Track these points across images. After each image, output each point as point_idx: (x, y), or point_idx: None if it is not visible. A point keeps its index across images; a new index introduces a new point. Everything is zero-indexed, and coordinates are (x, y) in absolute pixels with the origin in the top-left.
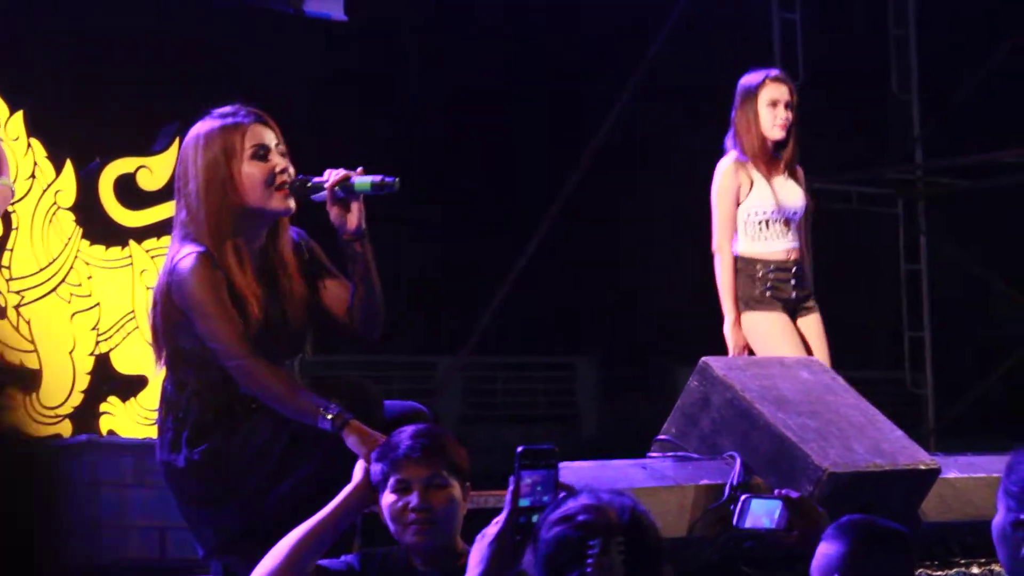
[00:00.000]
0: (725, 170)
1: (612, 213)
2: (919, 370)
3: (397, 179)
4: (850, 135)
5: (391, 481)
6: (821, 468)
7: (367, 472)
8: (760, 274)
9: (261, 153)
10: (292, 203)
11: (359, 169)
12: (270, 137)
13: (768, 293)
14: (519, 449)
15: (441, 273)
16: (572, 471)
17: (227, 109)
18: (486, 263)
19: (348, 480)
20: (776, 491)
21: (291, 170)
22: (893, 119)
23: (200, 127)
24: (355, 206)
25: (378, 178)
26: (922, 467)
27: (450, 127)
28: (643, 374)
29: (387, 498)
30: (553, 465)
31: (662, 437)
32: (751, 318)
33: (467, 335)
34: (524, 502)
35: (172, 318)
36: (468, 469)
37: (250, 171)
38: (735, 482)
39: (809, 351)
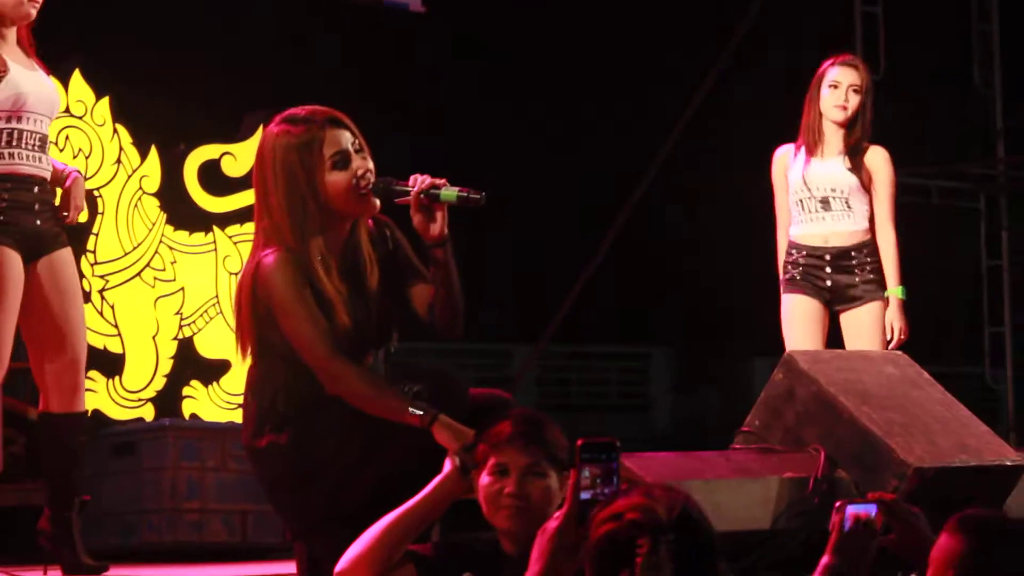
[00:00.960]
0: (777, 159)
1: (691, 203)
2: (999, 366)
3: (484, 194)
4: (931, 129)
5: (490, 463)
6: (906, 463)
7: (457, 464)
8: (792, 258)
9: (341, 161)
10: (377, 203)
11: (444, 180)
12: (347, 139)
13: (798, 276)
14: (579, 442)
15: (518, 261)
16: (656, 462)
17: (300, 114)
18: (563, 251)
19: (430, 471)
20: (869, 494)
21: (371, 170)
22: (975, 113)
23: (276, 136)
24: (439, 214)
25: (464, 191)
26: (1008, 463)
27: (527, 116)
28: (717, 365)
29: (484, 479)
30: (614, 458)
31: (746, 429)
32: (784, 300)
33: (543, 324)
34: (584, 495)
35: (258, 311)
36: (568, 460)
37: (333, 180)
38: (819, 475)
39: (852, 342)
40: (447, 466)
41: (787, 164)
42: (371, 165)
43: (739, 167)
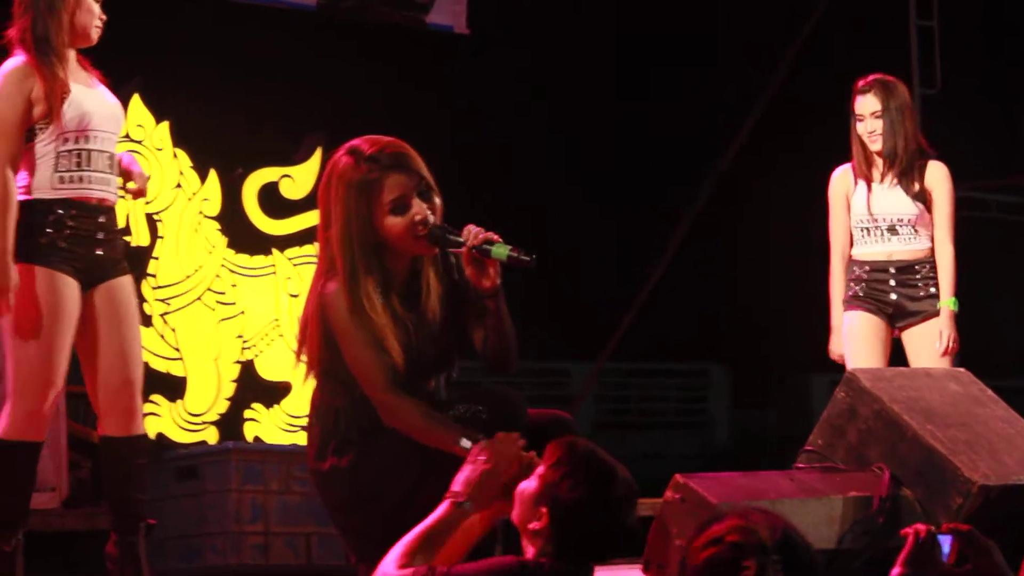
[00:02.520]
0: (835, 179)
1: (751, 221)
2: None
3: (534, 257)
4: (989, 143)
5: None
6: (971, 481)
7: (451, 500)
8: (856, 274)
9: (400, 206)
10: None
11: (496, 236)
12: (409, 182)
13: (861, 293)
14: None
15: (575, 277)
16: (719, 482)
17: (366, 151)
18: (621, 268)
19: None
20: (944, 524)
21: (430, 216)
22: None
23: (340, 170)
24: (491, 268)
25: (515, 252)
26: None
27: (582, 133)
28: (776, 381)
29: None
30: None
31: (809, 448)
32: (846, 317)
33: (601, 341)
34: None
35: (323, 334)
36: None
37: (390, 223)
38: (884, 494)
39: (915, 359)
40: (447, 501)
41: (847, 186)
42: (434, 207)
43: (799, 185)
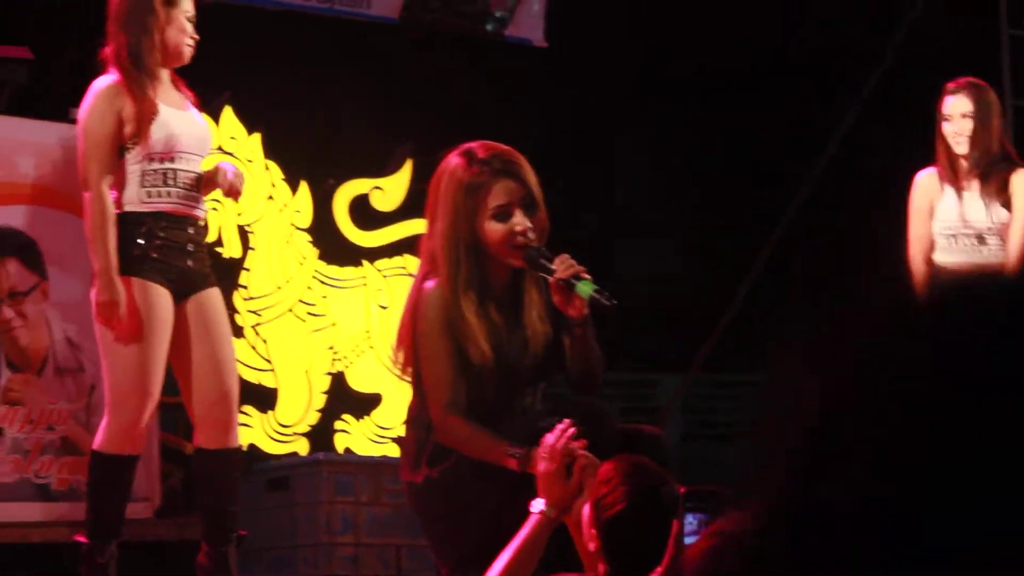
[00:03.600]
0: (919, 184)
1: (837, 234)
2: None
3: (616, 303)
4: None
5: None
6: None
7: (543, 511)
8: None
9: (502, 214)
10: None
11: (585, 271)
12: (516, 191)
13: None
14: (682, 490)
15: (663, 289)
16: None
17: (479, 154)
18: (708, 281)
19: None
20: None
21: (530, 231)
22: None
23: (454, 169)
24: (578, 299)
25: (599, 293)
26: None
27: (662, 142)
28: None
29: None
30: (718, 507)
31: None
32: None
33: (688, 352)
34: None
35: (415, 338)
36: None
37: (491, 228)
38: None
39: None
40: (534, 515)
41: (932, 192)
42: (536, 221)
43: (891, 191)
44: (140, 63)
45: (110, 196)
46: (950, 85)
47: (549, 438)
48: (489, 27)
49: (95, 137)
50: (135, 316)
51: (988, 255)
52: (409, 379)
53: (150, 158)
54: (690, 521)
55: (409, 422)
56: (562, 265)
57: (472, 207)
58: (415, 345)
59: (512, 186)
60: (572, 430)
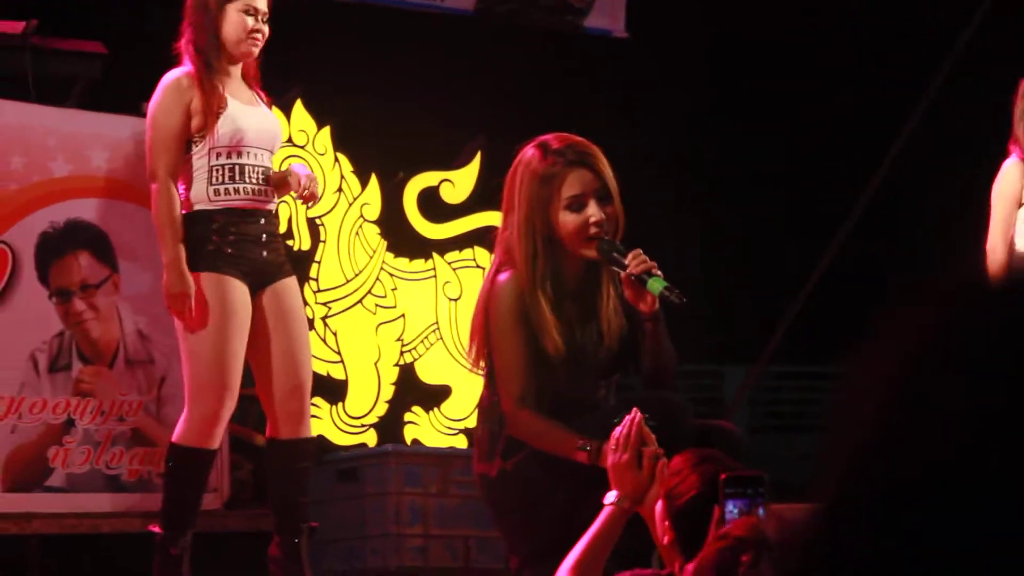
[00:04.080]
0: (1007, 171)
1: (908, 225)
2: None
3: (685, 300)
4: None
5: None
6: None
7: (614, 502)
8: None
9: (576, 205)
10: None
11: (655, 267)
12: (588, 182)
13: None
14: (723, 476)
15: (728, 280)
16: None
17: (554, 144)
18: (774, 273)
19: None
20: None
21: (604, 222)
22: None
23: (530, 159)
24: (649, 295)
25: (670, 289)
26: None
27: (743, 138)
28: None
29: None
30: (761, 493)
31: None
32: None
33: (754, 344)
34: None
35: (488, 329)
36: None
37: (564, 219)
38: None
39: None
40: (606, 506)
41: (1019, 179)
42: (611, 213)
43: (962, 186)
44: (207, 58)
45: (176, 189)
46: None
47: (618, 429)
48: (568, 18)
49: (163, 129)
50: (214, 310)
51: None
52: (480, 372)
53: (217, 152)
54: (731, 509)
55: (481, 414)
56: (635, 260)
57: (547, 197)
58: (487, 338)
59: (587, 177)
60: (640, 418)
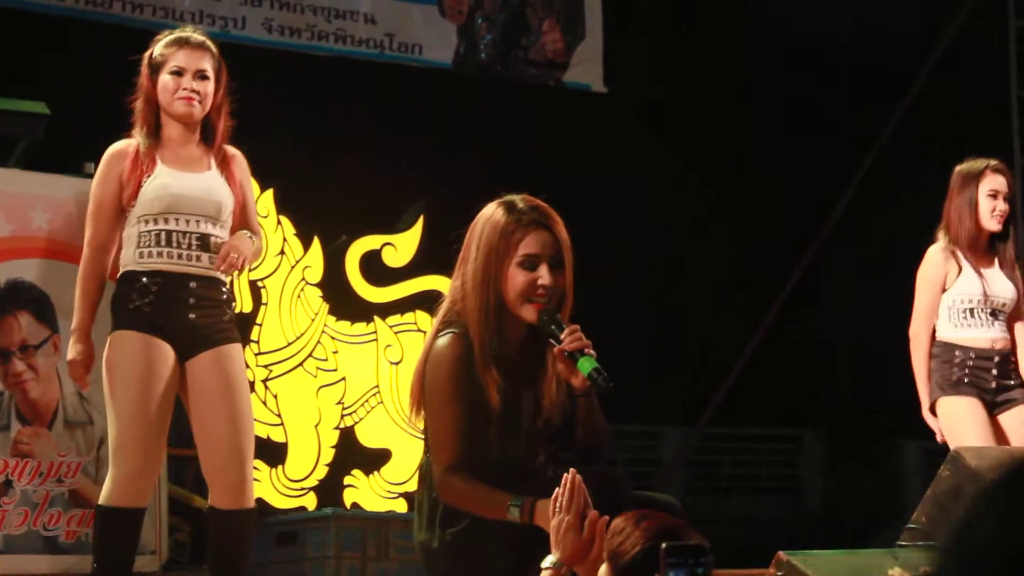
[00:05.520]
0: (933, 256)
1: (844, 292)
2: None
3: (612, 385)
4: None
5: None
6: None
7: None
8: (959, 360)
9: (529, 264)
10: (535, 316)
11: (590, 347)
12: (546, 245)
13: (966, 380)
14: (664, 547)
15: (667, 343)
16: (823, 560)
17: (519, 204)
18: (713, 335)
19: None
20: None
21: (550, 288)
22: None
23: (493, 213)
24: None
25: (598, 372)
26: None
27: (686, 201)
28: (870, 448)
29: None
30: (702, 563)
31: (912, 526)
32: (946, 403)
33: (693, 405)
34: None
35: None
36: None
37: (514, 276)
38: None
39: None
40: (545, 571)
41: (949, 268)
42: (556, 282)
43: (888, 253)
44: (151, 123)
45: (96, 263)
46: (994, 162)
47: (558, 490)
48: (552, 72)
49: (95, 200)
50: (132, 369)
51: (1000, 332)
52: (421, 436)
53: (145, 219)
54: None
55: (421, 481)
56: (569, 336)
57: (503, 250)
58: (424, 399)
59: (546, 239)
60: (580, 479)
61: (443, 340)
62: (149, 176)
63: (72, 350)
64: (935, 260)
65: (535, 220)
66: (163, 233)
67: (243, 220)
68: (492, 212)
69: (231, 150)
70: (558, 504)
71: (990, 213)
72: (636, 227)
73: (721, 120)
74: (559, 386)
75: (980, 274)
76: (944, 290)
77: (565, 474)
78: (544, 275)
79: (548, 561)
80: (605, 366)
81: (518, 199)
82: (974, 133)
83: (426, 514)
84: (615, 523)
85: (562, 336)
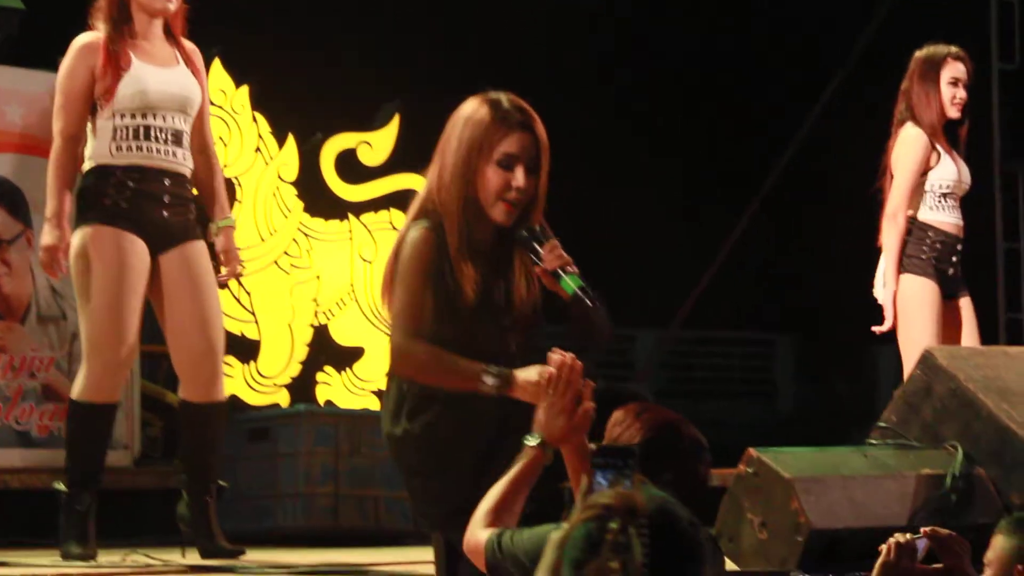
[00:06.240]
0: (916, 138)
1: (819, 195)
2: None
3: (598, 305)
4: None
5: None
6: None
7: (535, 445)
8: (929, 242)
9: (505, 163)
10: (506, 217)
11: (572, 265)
12: (526, 147)
13: (933, 262)
14: (594, 447)
15: (641, 245)
16: (792, 457)
17: (504, 103)
18: (689, 237)
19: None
20: (922, 530)
21: (523, 188)
22: None
23: (475, 107)
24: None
25: (583, 290)
26: None
27: (659, 111)
28: (842, 351)
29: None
30: (630, 465)
31: (882, 424)
32: (908, 280)
33: (666, 309)
34: None
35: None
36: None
37: (491, 173)
38: (957, 472)
39: (957, 332)
40: (530, 449)
41: (929, 151)
42: (528, 184)
43: (868, 158)
44: (116, 17)
45: (68, 152)
46: (955, 50)
47: (556, 361)
48: None
49: (65, 92)
50: (107, 264)
51: (961, 219)
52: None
53: (121, 114)
54: (599, 480)
55: (390, 374)
56: (550, 255)
57: (484, 148)
58: (394, 282)
59: (526, 141)
60: (580, 365)
61: (416, 231)
62: (126, 71)
63: (50, 236)
64: (919, 143)
65: (519, 121)
66: (141, 128)
67: (200, 120)
68: (476, 108)
69: (189, 44)
70: (553, 385)
71: (951, 101)
72: (609, 127)
73: (685, 19)
74: (529, 283)
75: (953, 158)
76: (925, 173)
77: (558, 356)
78: (519, 177)
79: (532, 439)
80: (578, 265)
81: (504, 98)
82: (951, 38)
83: (392, 405)
84: (615, 415)
85: (542, 253)
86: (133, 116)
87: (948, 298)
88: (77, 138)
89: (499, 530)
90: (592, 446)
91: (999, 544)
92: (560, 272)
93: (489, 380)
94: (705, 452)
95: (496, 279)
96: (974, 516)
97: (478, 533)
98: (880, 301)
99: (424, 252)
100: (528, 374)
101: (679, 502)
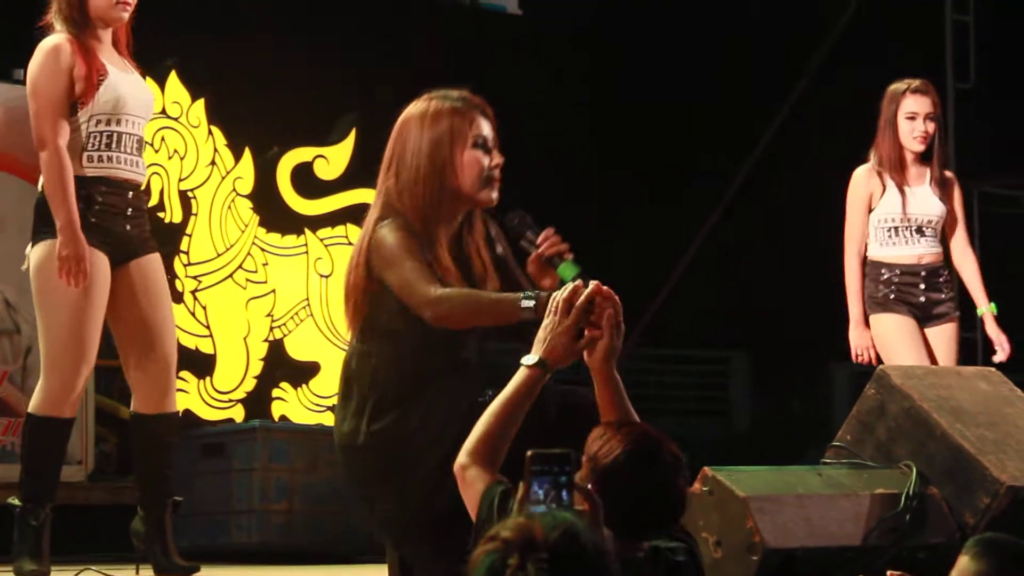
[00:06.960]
0: (857, 177)
1: (774, 213)
2: None
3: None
4: (1021, 138)
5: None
6: (999, 481)
7: (533, 364)
8: (885, 278)
9: (482, 143)
10: (495, 196)
11: (568, 250)
12: (489, 131)
13: (892, 296)
14: (529, 453)
15: (599, 262)
16: (747, 475)
17: (455, 93)
18: (644, 254)
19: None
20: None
21: (500, 167)
22: None
23: (427, 105)
24: (554, 276)
25: (578, 279)
26: None
27: (612, 128)
28: (797, 369)
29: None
30: (566, 471)
31: (837, 443)
32: (877, 320)
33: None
34: (538, 509)
35: (368, 288)
36: None
37: (471, 157)
38: (911, 492)
39: (933, 360)
40: (528, 369)
41: (873, 186)
42: (500, 162)
43: (820, 177)
44: (81, 22)
45: (66, 153)
46: (917, 83)
47: (593, 283)
48: None
49: (48, 96)
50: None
51: (927, 248)
52: (351, 341)
53: (96, 119)
54: (535, 489)
55: (347, 376)
56: (547, 242)
57: (456, 133)
58: (374, 274)
59: (487, 124)
60: (606, 291)
61: (385, 227)
62: (103, 75)
63: (68, 247)
64: (859, 181)
65: (477, 104)
66: (113, 135)
67: None
68: (428, 105)
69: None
70: (568, 304)
71: (910, 134)
72: (562, 146)
73: (643, 42)
74: (491, 272)
75: (903, 192)
76: (871, 210)
77: (574, 283)
78: (496, 155)
79: (530, 359)
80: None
81: (446, 91)
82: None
83: (354, 407)
84: (595, 430)
85: (538, 241)
86: (108, 123)
87: (929, 323)
88: (66, 141)
89: (505, 486)
90: (528, 453)
91: (965, 566)
92: (557, 260)
93: (527, 305)
94: (684, 467)
95: (465, 276)
96: (928, 536)
97: (473, 472)
98: (852, 345)
99: (408, 236)
100: (563, 293)
101: (589, 526)
